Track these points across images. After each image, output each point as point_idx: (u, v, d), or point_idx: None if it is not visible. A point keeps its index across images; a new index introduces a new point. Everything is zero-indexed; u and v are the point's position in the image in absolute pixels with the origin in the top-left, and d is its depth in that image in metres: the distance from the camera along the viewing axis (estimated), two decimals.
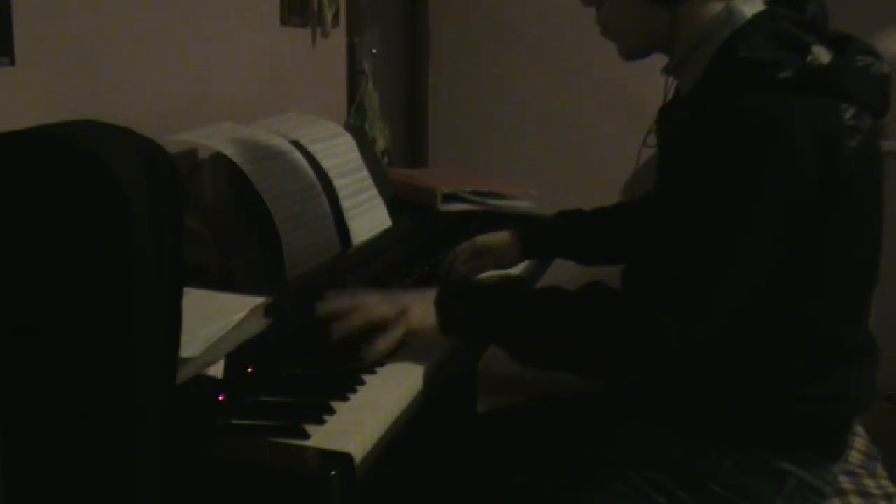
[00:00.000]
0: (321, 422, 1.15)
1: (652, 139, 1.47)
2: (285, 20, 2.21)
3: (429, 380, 1.33)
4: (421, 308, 1.33)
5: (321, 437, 1.11)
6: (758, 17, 1.28)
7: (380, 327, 1.33)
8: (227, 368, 1.14)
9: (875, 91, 1.25)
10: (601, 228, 1.74)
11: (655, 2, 1.32)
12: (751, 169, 1.18)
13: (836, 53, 1.25)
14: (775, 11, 1.28)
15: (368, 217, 1.78)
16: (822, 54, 1.24)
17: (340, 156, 1.78)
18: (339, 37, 2.51)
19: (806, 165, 1.18)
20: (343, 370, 1.32)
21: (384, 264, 1.72)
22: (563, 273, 1.97)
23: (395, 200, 1.94)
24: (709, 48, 1.30)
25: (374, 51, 2.62)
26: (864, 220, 1.28)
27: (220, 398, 1.15)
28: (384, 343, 1.31)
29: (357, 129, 2.01)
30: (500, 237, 1.78)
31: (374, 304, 1.34)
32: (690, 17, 1.32)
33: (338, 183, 1.72)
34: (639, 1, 1.33)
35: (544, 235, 1.78)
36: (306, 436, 1.10)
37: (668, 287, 1.22)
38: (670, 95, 1.45)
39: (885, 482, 1.58)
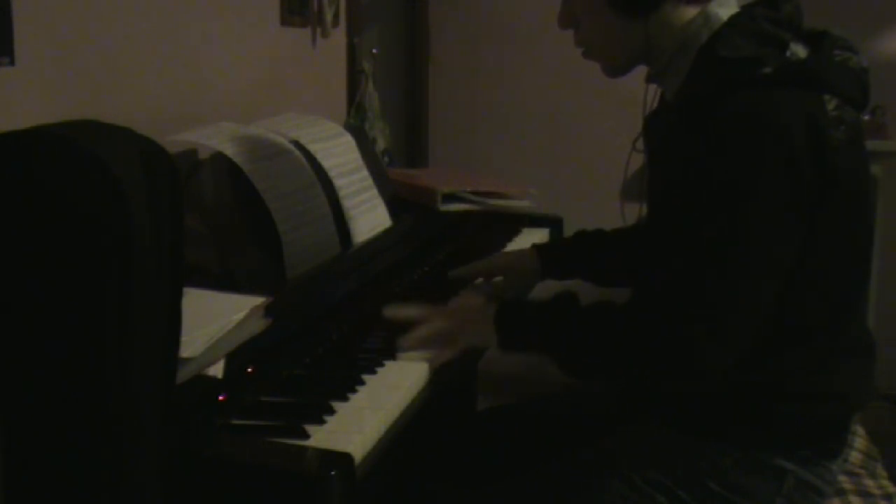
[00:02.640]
0: (321, 422, 1.15)
1: (641, 143, 1.47)
2: (285, 20, 2.21)
3: (429, 380, 1.34)
4: (480, 325, 1.40)
5: (321, 437, 1.11)
6: (734, 18, 1.29)
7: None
8: (227, 368, 1.14)
9: (855, 84, 1.27)
10: (619, 251, 1.73)
11: (628, 14, 1.33)
12: (746, 164, 1.18)
13: (813, 49, 1.27)
14: (751, 12, 1.29)
15: (368, 217, 1.78)
16: (799, 50, 1.26)
17: (340, 156, 1.78)
18: (339, 37, 2.51)
19: (797, 153, 1.18)
20: (342, 371, 1.32)
21: (384, 264, 1.72)
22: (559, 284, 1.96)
23: (395, 200, 1.94)
24: (689, 52, 1.31)
25: (374, 51, 2.62)
26: (855, 214, 1.28)
27: (220, 398, 1.15)
28: (445, 356, 1.38)
29: (357, 129, 2.01)
30: (520, 256, 1.78)
31: (438, 318, 1.42)
32: (665, 24, 1.32)
33: (338, 183, 1.72)
34: (612, 16, 1.34)
35: (563, 256, 1.77)
36: (306, 436, 1.10)
37: (699, 304, 1.21)
38: (655, 104, 1.46)
39: (885, 482, 1.58)
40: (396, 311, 1.45)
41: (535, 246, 1.79)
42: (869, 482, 1.56)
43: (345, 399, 1.22)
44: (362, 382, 1.28)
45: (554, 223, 2.28)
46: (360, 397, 1.24)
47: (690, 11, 1.32)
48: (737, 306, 1.22)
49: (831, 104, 1.22)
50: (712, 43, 1.28)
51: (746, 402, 1.30)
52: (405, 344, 1.39)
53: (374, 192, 1.83)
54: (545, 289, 1.75)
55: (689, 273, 1.22)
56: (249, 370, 1.23)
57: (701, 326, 1.21)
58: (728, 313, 1.21)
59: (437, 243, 1.98)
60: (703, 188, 1.21)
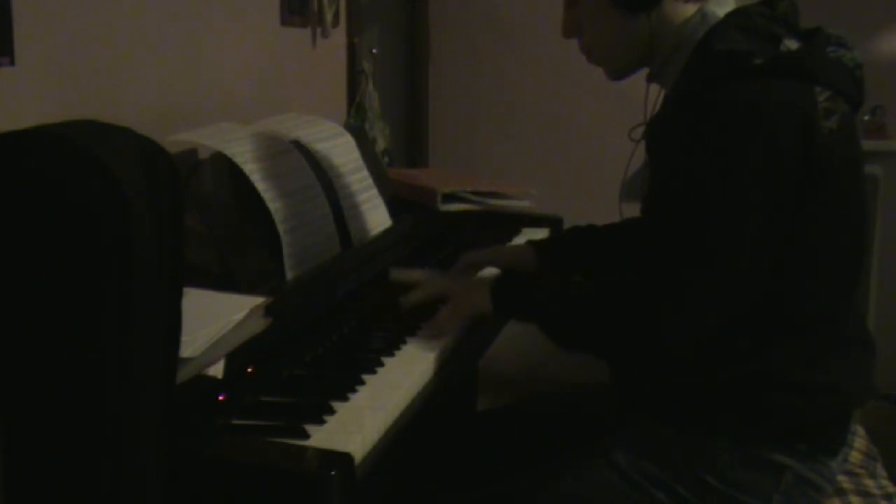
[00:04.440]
0: (321, 422, 1.15)
1: (637, 133, 1.48)
2: (285, 20, 2.21)
3: (429, 380, 1.34)
4: (478, 290, 1.47)
5: (321, 437, 1.11)
6: (730, 15, 1.32)
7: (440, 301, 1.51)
8: (227, 368, 1.14)
9: (848, 79, 1.28)
10: (613, 245, 1.74)
11: (631, 11, 1.34)
12: (734, 153, 1.20)
13: (805, 44, 1.29)
14: (747, 10, 1.31)
15: (368, 217, 1.78)
16: (792, 45, 1.28)
17: (340, 156, 1.78)
18: (339, 37, 2.51)
19: (786, 144, 1.20)
20: (342, 371, 1.32)
21: (384, 264, 1.72)
22: None
23: (395, 200, 1.94)
24: (686, 50, 1.33)
25: (374, 51, 2.62)
26: (848, 205, 1.29)
27: (220, 398, 1.15)
28: (454, 320, 1.47)
29: (357, 129, 2.01)
30: (517, 252, 1.78)
31: (440, 281, 1.54)
32: (666, 22, 1.35)
33: (338, 183, 1.72)
34: (616, 15, 1.36)
35: (559, 251, 1.78)
36: (306, 436, 1.10)
37: (668, 284, 1.24)
38: (657, 107, 1.46)
39: (885, 482, 1.58)
40: (401, 275, 1.58)
41: (530, 242, 1.79)
42: (869, 482, 1.56)
43: (345, 399, 1.22)
44: (362, 382, 1.28)
45: (554, 223, 2.29)
46: (360, 397, 1.24)
47: (689, 9, 1.34)
48: (705, 286, 1.23)
49: (823, 96, 1.23)
50: (708, 38, 1.31)
51: (744, 397, 1.30)
52: (405, 303, 1.51)
53: (374, 192, 1.83)
54: None
55: (661, 251, 1.25)
56: (249, 370, 1.23)
57: (666, 303, 1.24)
58: (694, 290, 1.23)
59: (437, 243, 1.97)
60: (687, 172, 1.23)
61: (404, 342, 1.43)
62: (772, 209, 1.21)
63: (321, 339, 1.42)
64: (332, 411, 1.18)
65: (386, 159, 2.51)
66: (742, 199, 1.20)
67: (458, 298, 1.48)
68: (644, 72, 1.44)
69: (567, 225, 2.28)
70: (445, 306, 1.49)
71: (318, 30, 2.38)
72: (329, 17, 2.38)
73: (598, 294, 1.36)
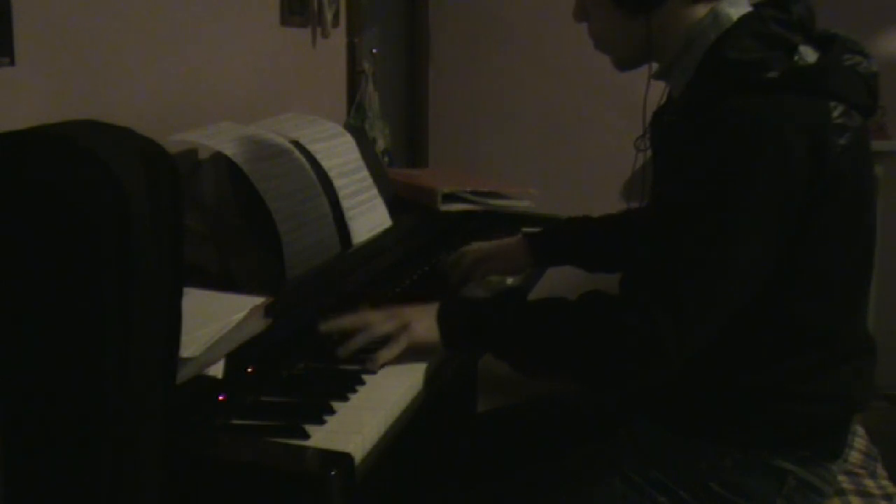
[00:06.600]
0: (321, 422, 1.15)
1: (643, 143, 1.47)
2: (285, 20, 2.21)
3: (429, 380, 1.34)
4: (423, 323, 1.35)
5: (321, 437, 1.11)
6: (744, 18, 1.29)
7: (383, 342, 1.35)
8: (227, 368, 1.14)
9: (863, 89, 1.26)
10: (609, 235, 1.74)
11: (630, 11, 1.33)
12: (741, 169, 1.19)
13: (822, 53, 1.27)
14: (761, 13, 1.28)
15: (368, 217, 1.78)
16: (808, 54, 1.26)
17: (340, 156, 1.78)
18: (339, 37, 2.51)
19: (795, 163, 1.18)
20: (343, 371, 1.32)
21: (384, 264, 1.72)
22: (560, 280, 1.97)
23: (395, 200, 1.94)
24: (697, 52, 1.31)
25: (374, 51, 2.62)
26: (857, 218, 1.28)
27: (220, 398, 1.15)
28: (387, 356, 1.33)
29: (357, 129, 2.01)
30: (509, 243, 1.78)
31: (378, 322, 1.36)
32: (670, 23, 1.32)
33: (338, 183, 1.72)
34: (617, 14, 1.35)
35: (553, 242, 1.78)
36: (306, 436, 1.10)
37: (665, 290, 1.22)
38: (664, 99, 1.46)
39: (885, 482, 1.58)
40: (331, 325, 1.38)
41: (524, 234, 1.79)
42: (869, 482, 1.56)
43: (345, 399, 1.22)
44: (362, 382, 1.28)
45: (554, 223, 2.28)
46: (360, 397, 1.24)
47: (699, 10, 1.31)
48: (702, 295, 1.22)
49: (836, 111, 1.21)
50: (720, 44, 1.28)
51: (747, 403, 1.30)
52: (341, 353, 1.34)
53: (374, 192, 1.83)
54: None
55: (662, 260, 1.23)
56: (249, 370, 1.23)
57: (661, 305, 1.21)
58: (691, 297, 1.21)
59: (437, 243, 1.97)
60: (694, 186, 1.22)
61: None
62: (774, 224, 1.20)
63: (321, 339, 1.42)
64: (332, 411, 1.18)
65: (386, 159, 2.51)
66: (744, 214, 1.19)
67: (401, 337, 1.34)
68: (643, 71, 1.43)
69: None
70: (386, 348, 1.34)
71: (318, 30, 2.38)
72: (329, 17, 2.38)
73: (579, 304, 1.30)
